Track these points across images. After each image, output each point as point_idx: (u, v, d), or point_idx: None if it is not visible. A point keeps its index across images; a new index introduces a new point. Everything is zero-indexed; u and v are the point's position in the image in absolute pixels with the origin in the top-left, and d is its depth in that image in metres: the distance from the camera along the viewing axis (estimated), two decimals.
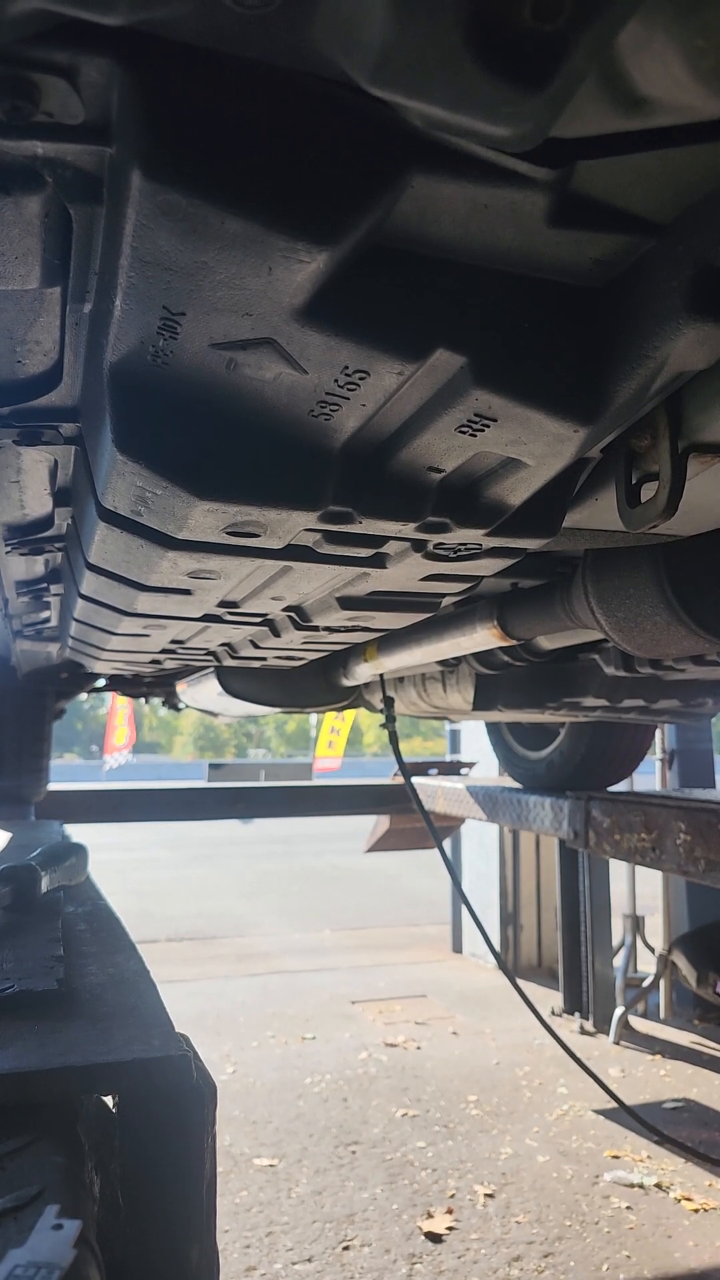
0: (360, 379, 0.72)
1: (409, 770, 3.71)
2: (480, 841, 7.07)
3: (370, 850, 5.61)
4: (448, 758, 7.96)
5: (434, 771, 5.69)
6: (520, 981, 6.24)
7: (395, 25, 0.41)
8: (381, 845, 5.49)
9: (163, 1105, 0.83)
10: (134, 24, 0.43)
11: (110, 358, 0.72)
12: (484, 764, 6.61)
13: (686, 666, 2.30)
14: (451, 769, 6.09)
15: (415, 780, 4.18)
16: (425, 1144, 3.86)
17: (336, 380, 0.73)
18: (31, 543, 1.46)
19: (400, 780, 4.69)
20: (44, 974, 1.09)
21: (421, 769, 5.71)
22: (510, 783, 4.66)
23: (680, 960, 5.11)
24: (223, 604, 1.38)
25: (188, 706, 4.26)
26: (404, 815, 5.21)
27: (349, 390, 0.74)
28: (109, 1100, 0.88)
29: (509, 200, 0.60)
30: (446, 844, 7.48)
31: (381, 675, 2.99)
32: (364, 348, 0.67)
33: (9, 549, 1.50)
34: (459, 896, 5.61)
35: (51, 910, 1.48)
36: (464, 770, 6.19)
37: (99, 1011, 1.00)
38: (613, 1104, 4.19)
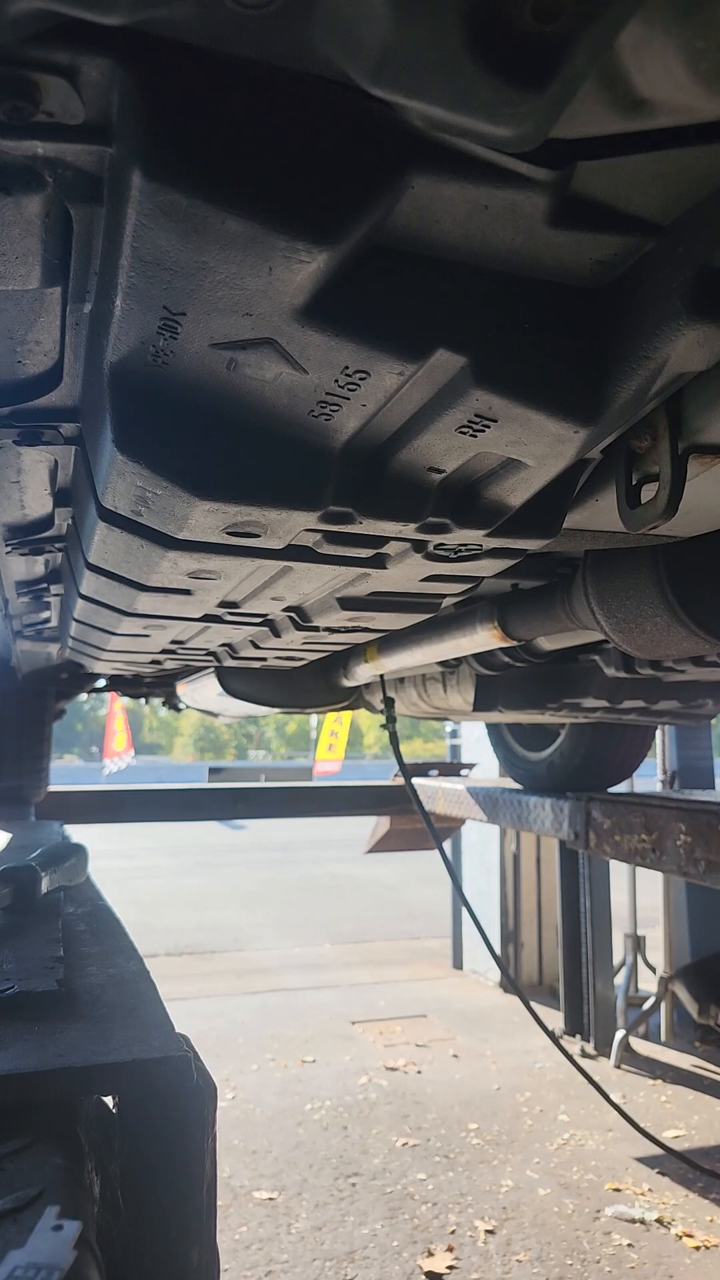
0: (360, 379, 0.72)
1: (409, 771, 3.71)
2: (481, 858, 7.02)
3: (370, 851, 5.61)
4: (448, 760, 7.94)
5: (434, 772, 5.69)
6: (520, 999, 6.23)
7: (395, 25, 0.41)
8: (382, 846, 5.48)
9: (163, 1106, 0.83)
10: (134, 24, 0.43)
11: (110, 358, 0.72)
12: (484, 765, 6.60)
13: (686, 667, 2.30)
14: (452, 770, 6.10)
15: (416, 781, 4.18)
16: (426, 1176, 3.81)
17: (337, 380, 0.73)
18: (32, 543, 1.46)
19: (401, 781, 4.69)
20: (44, 975, 1.09)
21: (422, 770, 5.71)
22: (510, 784, 4.65)
23: (681, 992, 5.13)
24: (223, 604, 1.38)
25: (188, 707, 4.26)
26: (404, 816, 5.20)
27: (349, 390, 0.74)
28: (109, 1101, 0.88)
29: (509, 201, 0.60)
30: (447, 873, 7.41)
31: (382, 676, 2.99)
32: (364, 348, 0.67)
33: (9, 549, 1.50)
34: (460, 901, 5.54)
35: (51, 911, 1.48)
36: (464, 771, 6.19)
37: (99, 1012, 1.00)
38: (613, 1133, 4.18)
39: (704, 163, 0.58)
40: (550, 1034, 3.38)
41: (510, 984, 3.42)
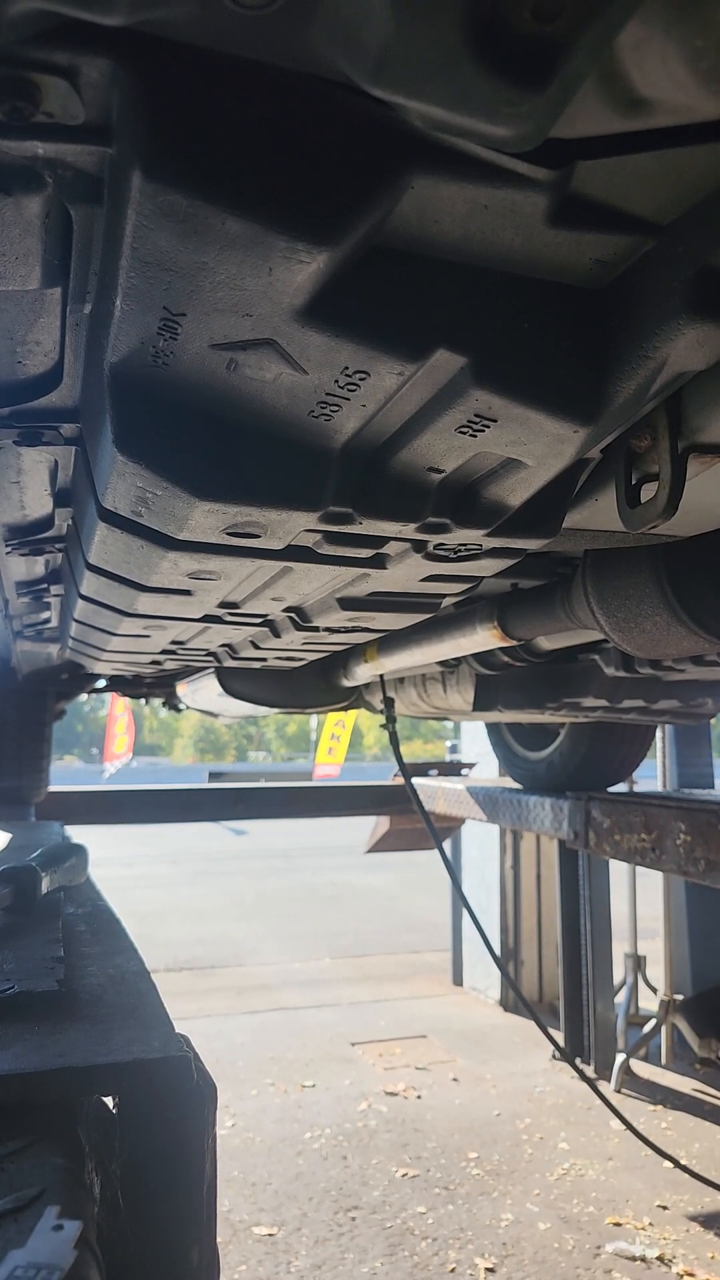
0: (360, 379, 0.72)
1: (409, 771, 3.71)
2: (481, 875, 6.97)
3: (370, 851, 5.60)
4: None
5: (434, 772, 5.69)
6: (520, 1019, 6.15)
7: (395, 26, 0.41)
8: (381, 846, 5.49)
9: (163, 1106, 0.83)
10: (134, 24, 0.43)
11: (110, 358, 0.72)
12: (483, 765, 6.59)
13: (686, 667, 2.30)
14: (452, 770, 6.10)
15: (415, 781, 4.18)
16: (425, 1209, 3.74)
17: (337, 381, 0.73)
18: (32, 543, 1.46)
19: (400, 781, 4.69)
20: (44, 975, 1.09)
21: (422, 770, 5.71)
22: (510, 783, 4.66)
23: (683, 1024, 5.12)
24: (223, 605, 1.38)
25: (188, 707, 4.26)
26: (404, 816, 5.20)
27: (349, 391, 0.74)
28: (109, 1101, 0.88)
29: (509, 201, 0.60)
30: (447, 884, 7.37)
31: (382, 676, 2.99)
32: (364, 348, 0.67)
33: (9, 550, 1.50)
34: (461, 906, 5.47)
35: (52, 911, 1.48)
36: (464, 771, 6.19)
37: (99, 1012, 1.00)
38: (613, 1162, 4.14)
39: (704, 162, 0.58)
40: (570, 1060, 3.34)
41: (522, 1004, 3.33)
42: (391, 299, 0.66)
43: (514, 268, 0.68)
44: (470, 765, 6.36)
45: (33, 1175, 0.71)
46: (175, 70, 0.50)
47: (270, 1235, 3.55)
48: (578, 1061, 5.20)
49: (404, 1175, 4.04)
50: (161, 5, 0.42)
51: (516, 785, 4.54)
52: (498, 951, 6.55)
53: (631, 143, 0.55)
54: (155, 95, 0.50)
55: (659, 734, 5.56)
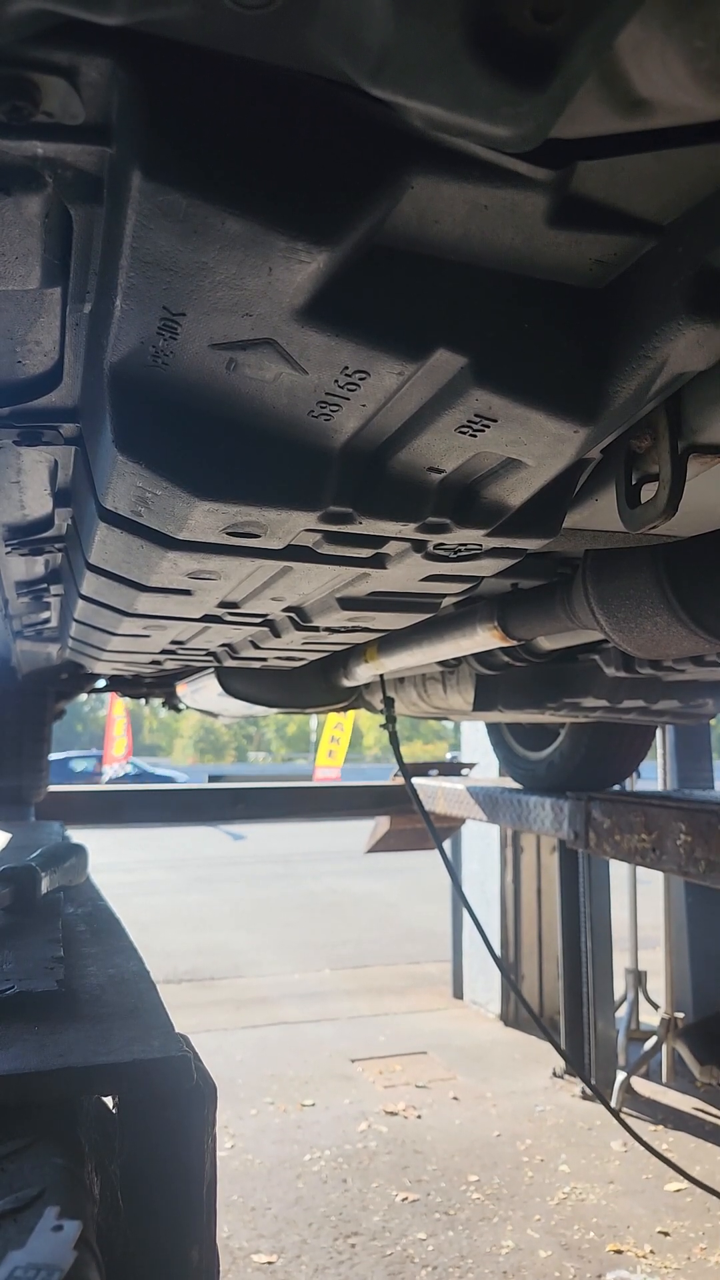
0: (360, 379, 0.72)
1: (409, 771, 3.70)
2: (482, 888, 6.92)
3: (370, 851, 5.60)
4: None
5: (434, 772, 5.69)
6: (521, 1034, 6.10)
7: (396, 26, 0.41)
8: (381, 846, 5.48)
9: (163, 1106, 0.83)
10: (134, 24, 0.43)
11: (110, 358, 0.72)
12: (484, 766, 6.58)
13: (686, 667, 2.30)
14: (452, 770, 6.09)
15: (416, 781, 4.17)
16: (426, 1235, 3.69)
17: (336, 380, 0.73)
18: (32, 543, 1.46)
19: (400, 781, 4.69)
20: (44, 975, 1.09)
21: (422, 770, 5.70)
22: (510, 783, 4.66)
23: (683, 1050, 5.09)
24: (223, 604, 1.38)
25: (188, 707, 4.26)
26: (404, 816, 5.20)
27: (349, 390, 0.74)
28: (109, 1101, 0.88)
29: (509, 201, 0.60)
30: (447, 892, 7.32)
31: (381, 676, 2.99)
32: (364, 348, 0.67)
33: (9, 549, 1.50)
34: (462, 907, 5.41)
35: (51, 911, 1.48)
36: (464, 771, 6.18)
37: (99, 1012, 1.00)
38: (614, 1186, 4.07)
39: (704, 162, 0.58)
40: (584, 1077, 3.32)
41: (531, 1017, 3.31)
42: (391, 299, 0.66)
43: (514, 268, 0.68)
44: (470, 765, 6.35)
45: (33, 1175, 0.71)
46: (175, 70, 0.50)
47: (270, 1263, 3.50)
48: (575, 1080, 5.17)
49: (404, 1199, 3.99)
50: (161, 5, 0.42)
51: (516, 785, 4.54)
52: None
53: (632, 143, 0.55)
54: (155, 95, 0.50)
55: (659, 735, 5.56)
